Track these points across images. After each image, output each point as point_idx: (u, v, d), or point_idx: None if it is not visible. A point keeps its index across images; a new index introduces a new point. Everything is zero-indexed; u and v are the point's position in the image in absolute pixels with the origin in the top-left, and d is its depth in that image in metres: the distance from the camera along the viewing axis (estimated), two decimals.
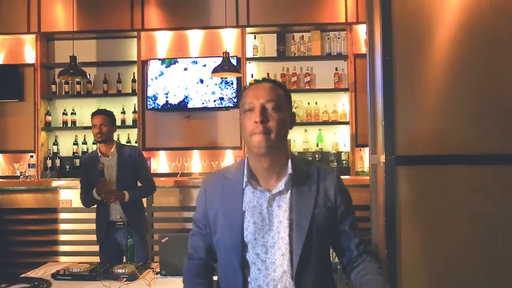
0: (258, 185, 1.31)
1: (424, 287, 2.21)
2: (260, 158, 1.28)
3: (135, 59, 4.45)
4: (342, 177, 1.42)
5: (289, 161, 1.31)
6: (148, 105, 4.41)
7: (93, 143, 4.43)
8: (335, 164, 4.30)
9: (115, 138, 3.14)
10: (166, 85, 4.40)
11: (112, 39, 4.65)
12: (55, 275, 2.35)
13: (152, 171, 4.33)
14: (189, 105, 4.39)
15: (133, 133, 4.51)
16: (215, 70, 3.86)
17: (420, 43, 2.24)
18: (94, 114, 3.04)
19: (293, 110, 1.35)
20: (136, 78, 4.46)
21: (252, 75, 4.50)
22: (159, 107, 4.41)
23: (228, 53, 3.87)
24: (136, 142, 4.43)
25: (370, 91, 2.77)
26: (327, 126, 4.46)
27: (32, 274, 2.46)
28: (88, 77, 4.35)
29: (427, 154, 2.23)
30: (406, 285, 2.19)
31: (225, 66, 3.81)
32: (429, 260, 2.22)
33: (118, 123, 4.39)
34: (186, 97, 4.38)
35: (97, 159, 2.93)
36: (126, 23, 4.45)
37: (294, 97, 4.36)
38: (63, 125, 4.61)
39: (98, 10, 4.48)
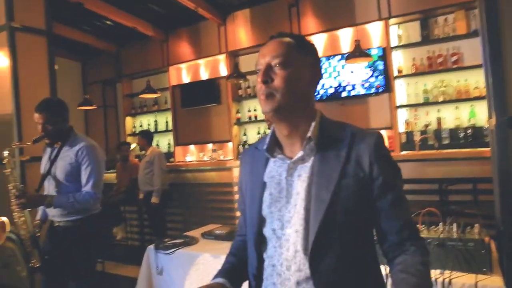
0: (280, 153, 1.14)
1: None
2: (277, 124, 1.12)
3: None
4: None
5: (312, 124, 1.09)
6: None
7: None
8: (489, 138, 4.25)
9: None
10: (322, 79, 5.16)
11: None
12: (203, 234, 2.78)
13: None
14: (342, 95, 5.08)
15: None
16: (348, 58, 4.37)
17: None
18: None
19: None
20: None
21: (399, 61, 4.84)
22: (317, 99, 5.26)
23: (359, 40, 4.34)
24: None
25: (483, 47, 2.29)
26: (479, 102, 4.37)
27: (190, 233, 2.91)
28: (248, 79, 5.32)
29: None
30: None
31: (356, 53, 4.30)
32: None
33: None
34: (340, 86, 5.10)
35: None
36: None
37: (442, 77, 4.57)
38: (249, 119, 5.80)
39: (265, 28, 5.45)
